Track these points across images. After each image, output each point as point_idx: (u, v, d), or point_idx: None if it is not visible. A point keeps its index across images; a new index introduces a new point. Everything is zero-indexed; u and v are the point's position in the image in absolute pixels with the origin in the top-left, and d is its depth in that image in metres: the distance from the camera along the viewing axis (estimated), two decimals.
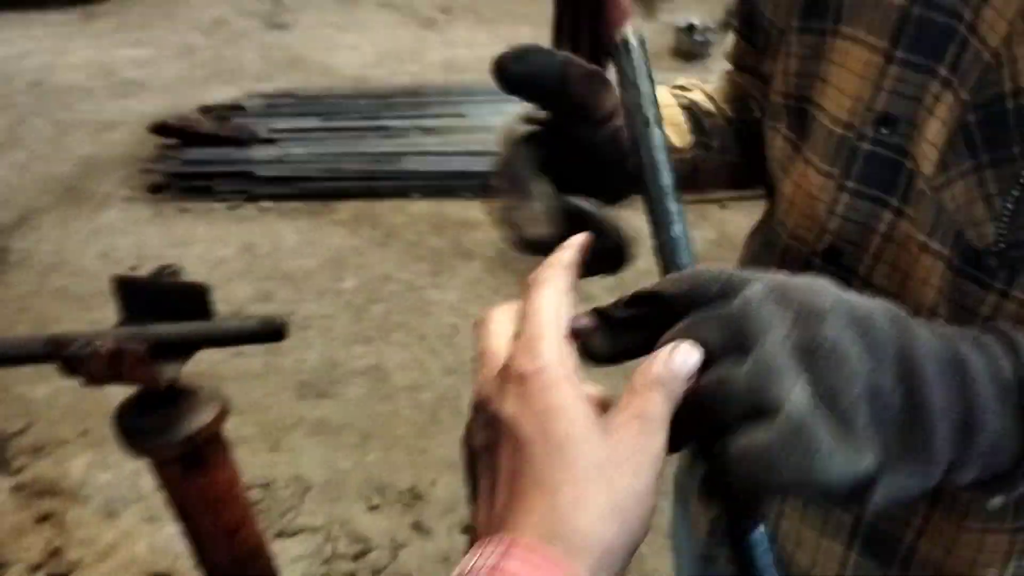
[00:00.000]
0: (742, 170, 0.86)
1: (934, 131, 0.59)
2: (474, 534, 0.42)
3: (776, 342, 0.40)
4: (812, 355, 0.40)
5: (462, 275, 3.31)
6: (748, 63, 0.86)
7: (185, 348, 1.15)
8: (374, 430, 2.58)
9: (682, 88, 0.86)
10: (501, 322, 0.47)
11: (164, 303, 1.20)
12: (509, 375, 0.43)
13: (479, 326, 0.48)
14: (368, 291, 3.22)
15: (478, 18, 6.17)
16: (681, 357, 0.42)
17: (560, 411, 0.40)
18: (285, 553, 2.16)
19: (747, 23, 0.84)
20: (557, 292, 0.46)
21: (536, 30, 5.49)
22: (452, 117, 4.30)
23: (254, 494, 2.34)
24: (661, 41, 5.51)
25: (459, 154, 3.95)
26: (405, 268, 3.36)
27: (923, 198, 0.61)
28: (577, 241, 0.51)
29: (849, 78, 0.65)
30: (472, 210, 3.72)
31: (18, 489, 2.39)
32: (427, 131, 4.16)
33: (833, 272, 0.69)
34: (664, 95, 0.81)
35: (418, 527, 2.26)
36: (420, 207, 3.77)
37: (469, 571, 0.37)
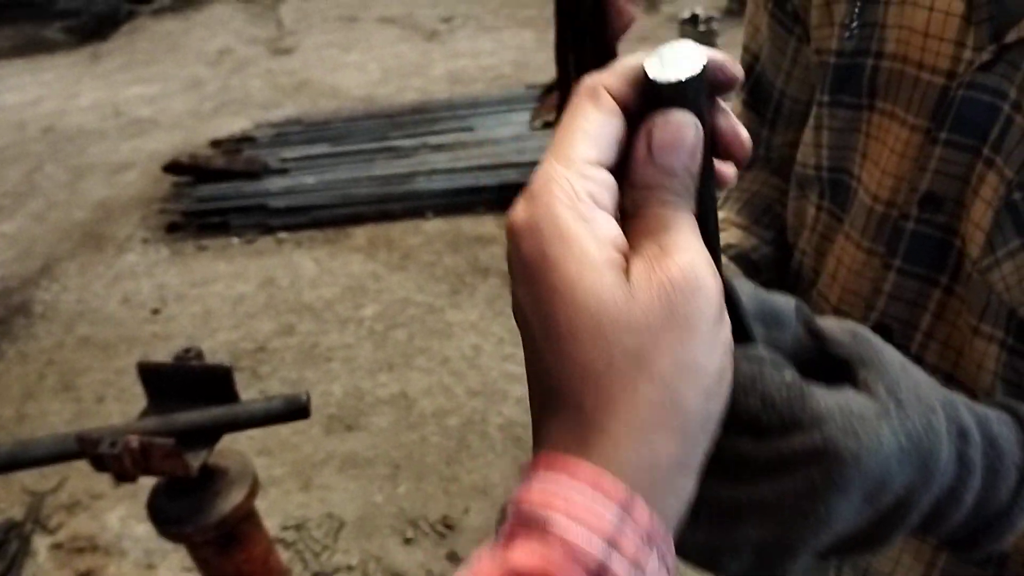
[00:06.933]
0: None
1: (979, 212, 0.59)
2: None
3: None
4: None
5: (481, 293, 3.31)
6: (754, 132, 0.86)
7: (211, 434, 1.17)
8: (404, 460, 2.59)
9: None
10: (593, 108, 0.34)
11: (189, 386, 1.22)
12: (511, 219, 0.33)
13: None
14: (389, 317, 3.24)
15: (480, 26, 6.16)
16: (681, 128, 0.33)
17: (564, 290, 0.30)
18: None
19: (753, 93, 0.83)
20: (601, 106, 0.34)
21: (539, 35, 5.48)
22: (460, 132, 4.30)
23: (288, 536, 2.37)
24: (665, 34, 5.48)
25: (470, 169, 3.96)
26: (424, 290, 3.37)
27: (972, 280, 0.60)
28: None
29: (888, 155, 0.65)
30: (486, 225, 3.72)
31: (56, 547, 2.42)
32: (436, 148, 4.17)
33: None
34: None
35: (453, 558, 2.27)
36: (435, 226, 3.78)
37: (511, 501, 0.31)
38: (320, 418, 2.78)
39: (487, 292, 3.31)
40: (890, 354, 0.40)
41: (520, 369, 2.86)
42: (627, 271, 0.31)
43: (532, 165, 3.85)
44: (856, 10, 0.65)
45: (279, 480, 2.53)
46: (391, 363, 3.00)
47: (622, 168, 0.33)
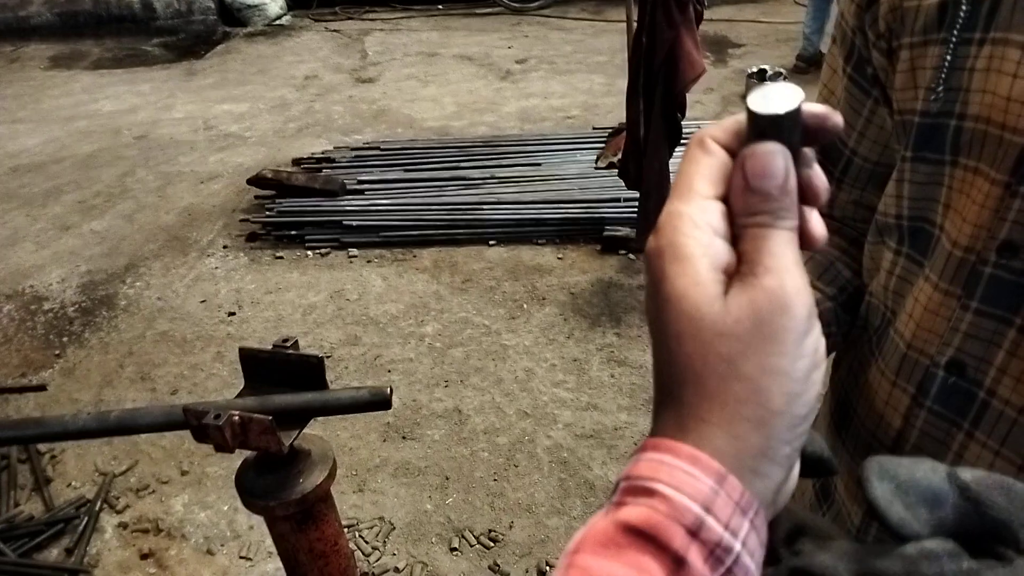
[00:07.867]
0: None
1: None
2: None
3: None
4: None
5: (536, 320, 3.43)
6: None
7: (303, 416, 1.30)
8: (454, 473, 2.71)
9: None
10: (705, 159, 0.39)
11: (283, 373, 1.36)
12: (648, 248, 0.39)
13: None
14: (448, 336, 3.37)
15: (553, 69, 6.36)
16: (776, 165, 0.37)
17: (674, 302, 0.36)
18: None
19: (823, 151, 0.89)
20: (711, 152, 0.39)
21: (609, 80, 5.65)
22: (527, 166, 4.46)
23: None
24: (733, 88, 5.60)
25: (534, 203, 4.11)
26: (482, 313, 3.50)
27: None
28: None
29: (970, 206, 0.70)
30: (545, 256, 3.86)
31: (122, 526, 2.58)
32: (503, 180, 4.33)
33: (957, 383, 0.74)
34: None
35: (496, 570, 2.37)
36: (496, 253, 3.92)
37: (623, 476, 0.36)
38: (378, 425, 2.92)
39: (542, 320, 3.43)
40: None
41: (569, 395, 2.97)
42: (728, 288, 0.36)
43: (594, 203, 4.01)
44: (943, 76, 0.70)
45: (336, 480, 2.65)
46: (447, 379, 3.13)
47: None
